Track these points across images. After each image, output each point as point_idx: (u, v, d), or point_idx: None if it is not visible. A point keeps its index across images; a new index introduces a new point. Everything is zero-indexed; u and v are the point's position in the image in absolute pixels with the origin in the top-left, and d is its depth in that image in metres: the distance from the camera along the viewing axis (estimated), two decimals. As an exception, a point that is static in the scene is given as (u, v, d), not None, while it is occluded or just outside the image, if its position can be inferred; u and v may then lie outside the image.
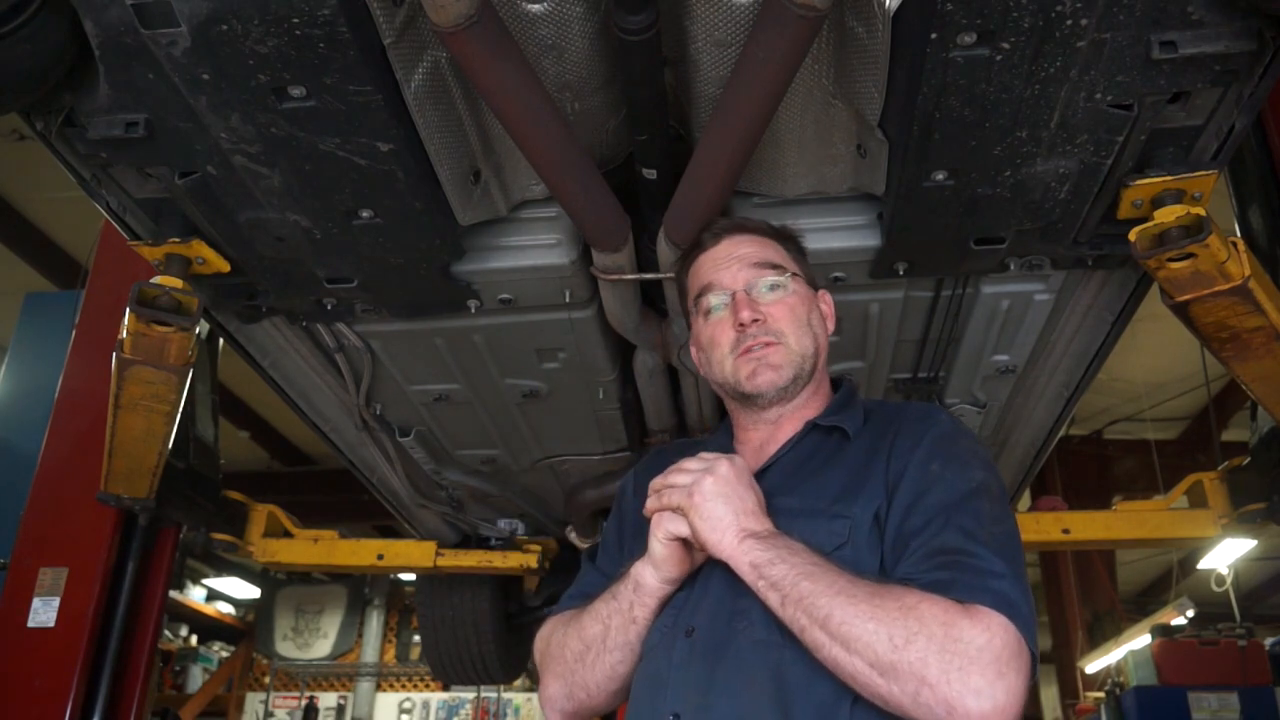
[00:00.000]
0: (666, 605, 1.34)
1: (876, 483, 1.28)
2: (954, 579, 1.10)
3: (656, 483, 1.31)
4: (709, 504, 1.23)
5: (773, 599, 1.15)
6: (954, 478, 1.24)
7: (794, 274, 1.46)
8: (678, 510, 1.27)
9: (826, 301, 1.53)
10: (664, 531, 1.28)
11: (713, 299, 1.45)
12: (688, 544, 1.29)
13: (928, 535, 1.17)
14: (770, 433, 1.45)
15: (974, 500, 1.20)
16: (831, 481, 1.32)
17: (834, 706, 1.13)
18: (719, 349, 1.43)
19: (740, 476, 1.27)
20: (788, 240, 1.54)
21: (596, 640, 1.36)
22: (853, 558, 1.20)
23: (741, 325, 1.40)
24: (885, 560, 1.21)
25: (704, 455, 1.30)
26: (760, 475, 1.38)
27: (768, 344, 1.40)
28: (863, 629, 1.07)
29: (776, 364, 1.39)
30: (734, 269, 1.45)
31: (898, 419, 1.38)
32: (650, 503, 1.30)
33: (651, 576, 1.32)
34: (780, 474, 1.38)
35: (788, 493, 1.33)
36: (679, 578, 1.32)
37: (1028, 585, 1.13)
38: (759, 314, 1.40)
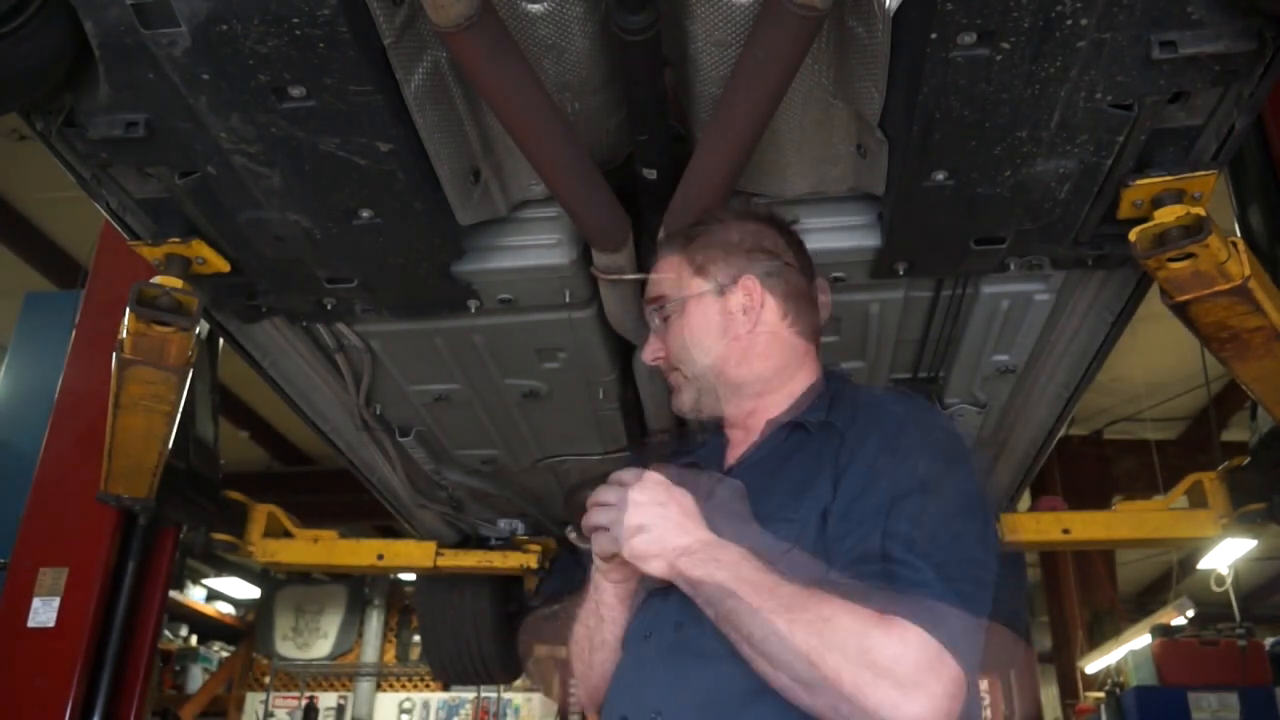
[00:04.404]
0: (640, 604, 1.34)
1: (824, 480, 1.23)
2: (872, 589, 1.07)
3: (591, 499, 1.29)
4: (635, 536, 1.20)
5: (710, 615, 1.14)
6: (895, 473, 1.17)
7: (685, 297, 1.42)
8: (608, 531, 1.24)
9: (747, 291, 1.39)
10: (598, 548, 1.27)
11: None
12: None
13: (859, 537, 1.14)
14: (745, 430, 1.43)
15: (913, 499, 1.14)
16: (783, 482, 1.28)
17: None
18: None
19: (658, 490, 1.22)
20: (696, 244, 1.44)
21: (583, 642, 1.40)
22: (800, 561, 1.15)
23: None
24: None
25: (623, 475, 1.26)
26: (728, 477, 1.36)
27: (673, 372, 1.45)
28: (781, 646, 1.06)
29: (681, 394, 1.45)
30: (648, 304, 1.52)
31: (855, 410, 1.32)
32: (585, 519, 1.28)
33: (603, 580, 1.34)
34: (745, 476, 1.34)
35: (754, 495, 1.30)
36: (626, 578, 1.32)
37: (969, 588, 1.09)
38: (658, 353, 1.47)
